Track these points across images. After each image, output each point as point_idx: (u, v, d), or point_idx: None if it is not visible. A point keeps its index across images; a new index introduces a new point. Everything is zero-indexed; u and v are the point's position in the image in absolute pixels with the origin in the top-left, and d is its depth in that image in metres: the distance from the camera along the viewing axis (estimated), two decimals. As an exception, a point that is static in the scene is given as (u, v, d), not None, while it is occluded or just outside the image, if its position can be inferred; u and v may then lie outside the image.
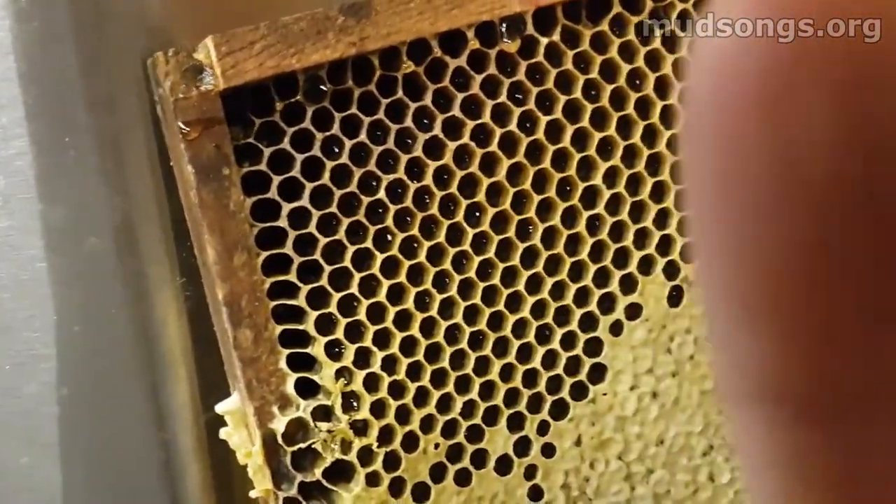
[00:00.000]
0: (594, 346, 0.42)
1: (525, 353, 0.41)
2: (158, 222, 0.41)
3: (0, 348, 0.42)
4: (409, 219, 0.39)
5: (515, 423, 0.41)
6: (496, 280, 0.40)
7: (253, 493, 0.40)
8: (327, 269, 0.39)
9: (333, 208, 0.38)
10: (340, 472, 0.40)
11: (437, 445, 0.40)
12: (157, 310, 0.43)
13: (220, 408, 0.40)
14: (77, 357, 0.43)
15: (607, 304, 0.41)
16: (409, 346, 0.40)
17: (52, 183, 0.40)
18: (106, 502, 0.45)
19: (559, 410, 0.42)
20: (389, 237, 0.39)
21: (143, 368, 0.43)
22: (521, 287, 0.40)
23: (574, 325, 0.41)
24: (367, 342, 0.39)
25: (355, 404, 0.39)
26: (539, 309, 0.41)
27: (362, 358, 0.39)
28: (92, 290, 0.42)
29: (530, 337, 0.41)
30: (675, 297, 0.42)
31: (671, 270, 0.42)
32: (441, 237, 0.39)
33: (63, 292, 0.42)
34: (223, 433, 0.40)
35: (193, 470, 0.44)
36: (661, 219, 0.41)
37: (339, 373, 0.39)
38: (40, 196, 0.40)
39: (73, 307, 0.42)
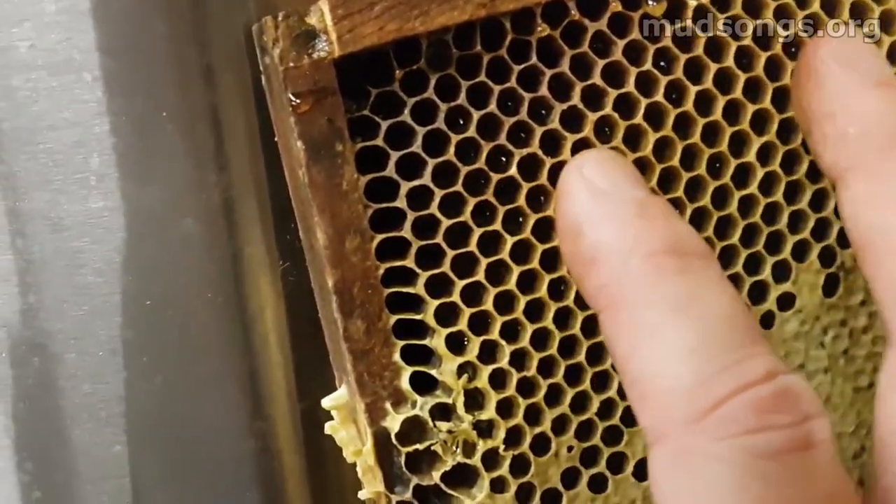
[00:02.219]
0: (744, 340, 0.37)
1: (667, 347, 0.36)
2: (257, 202, 0.39)
3: (93, 334, 0.39)
4: (543, 198, 0.34)
5: (655, 424, 0.36)
6: (637, 266, 0.35)
7: (362, 494, 0.36)
8: (450, 253, 0.34)
9: (458, 187, 0.34)
10: (461, 476, 0.36)
11: (570, 448, 0.36)
12: (253, 295, 0.40)
13: (326, 402, 0.36)
14: (171, 343, 0.40)
15: (758, 292, 0.37)
16: (541, 338, 0.35)
17: (147, 161, 0.37)
18: (200, 491, 0.42)
19: (702, 410, 0.37)
20: (521, 219, 0.35)
21: (239, 355, 0.41)
22: (665, 275, 0.35)
23: (723, 317, 0.36)
24: (495, 335, 0.35)
25: (480, 402, 0.35)
26: (684, 299, 0.36)
27: (488, 352, 0.35)
28: (187, 274, 0.40)
29: (673, 329, 0.36)
30: (830, 287, 0.37)
31: (827, 257, 0.37)
32: (579, 219, 0.34)
33: (157, 276, 0.39)
34: (329, 428, 0.37)
35: (289, 460, 0.42)
36: (818, 200, 0.37)
37: (462, 368, 0.35)
38: (136, 174, 0.38)
39: (169, 291, 0.40)
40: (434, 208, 0.34)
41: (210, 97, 0.38)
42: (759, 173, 0.36)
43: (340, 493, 0.40)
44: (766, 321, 0.37)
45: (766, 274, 0.37)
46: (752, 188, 0.36)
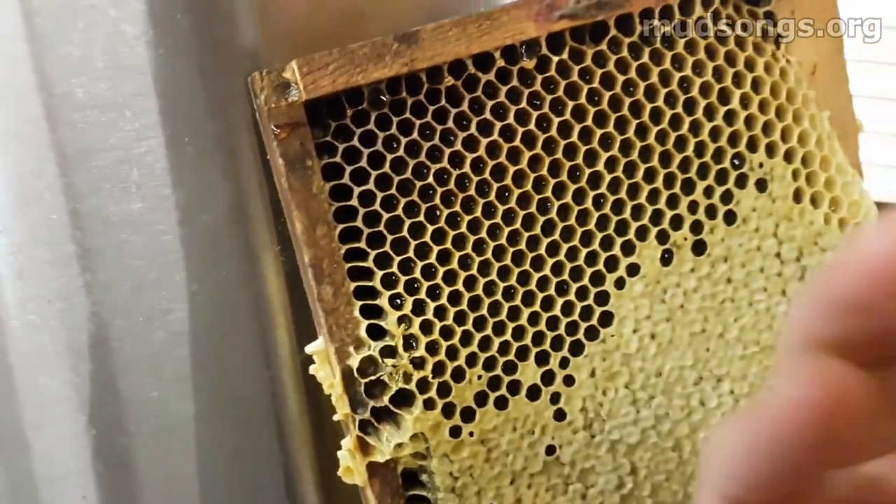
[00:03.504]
0: (602, 297, 0.45)
1: (548, 303, 0.44)
2: (260, 202, 0.44)
3: (135, 304, 0.44)
4: (452, 198, 0.43)
5: (542, 358, 0.45)
6: (522, 245, 0.44)
7: (335, 417, 0.43)
8: (389, 237, 0.42)
9: (393, 190, 0.42)
10: (403, 399, 0.43)
11: (479, 377, 0.43)
12: (260, 271, 0.46)
13: (309, 349, 0.43)
14: (196, 310, 0.45)
15: (611, 264, 0.45)
16: (455, 297, 0.43)
17: (175, 173, 0.43)
18: (222, 427, 0.47)
19: (576, 349, 0.45)
20: (437, 212, 0.42)
21: (251, 319, 0.46)
22: (542, 251, 0.44)
23: (586, 281, 0.45)
24: (422, 294, 0.42)
25: (414, 344, 0.42)
26: (557, 268, 0.44)
27: (418, 307, 0.42)
28: (208, 256, 0.45)
29: (551, 290, 0.44)
30: (666, 258, 0.45)
31: (662, 237, 0.45)
32: (478, 212, 0.43)
33: (184, 258, 0.44)
34: (312, 369, 0.43)
35: (292, 400, 0.47)
36: (653, 196, 0.45)
37: (401, 319, 0.42)
38: (166, 183, 0.43)
39: (193, 270, 0.45)
40: (377, 205, 0.42)
41: (223, 125, 0.43)
42: (607, 178, 0.44)
43: (332, 422, 0.44)
44: (619, 284, 0.45)
45: (616, 250, 0.45)
46: (603, 188, 0.44)
